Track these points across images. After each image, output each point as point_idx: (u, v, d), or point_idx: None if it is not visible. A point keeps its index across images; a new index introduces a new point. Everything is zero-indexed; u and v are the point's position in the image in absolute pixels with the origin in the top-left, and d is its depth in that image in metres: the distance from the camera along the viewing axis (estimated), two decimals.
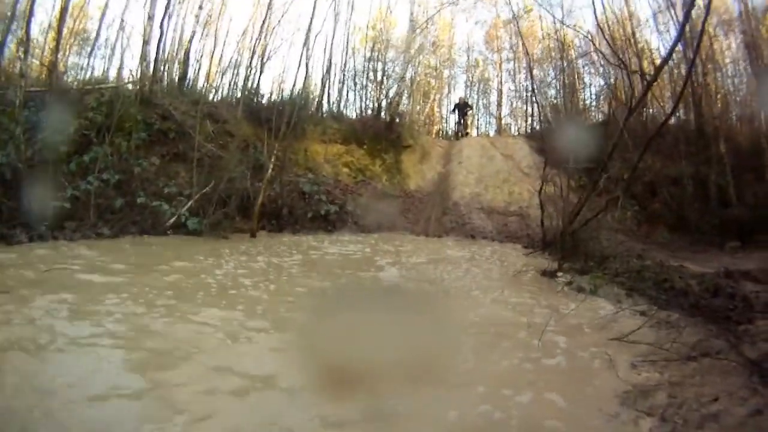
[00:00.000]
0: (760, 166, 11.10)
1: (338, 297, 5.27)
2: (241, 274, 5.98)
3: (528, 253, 8.72)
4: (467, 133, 17.97)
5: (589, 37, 12.06)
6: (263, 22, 13.76)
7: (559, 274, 6.67)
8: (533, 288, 6.05)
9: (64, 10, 10.97)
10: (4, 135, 7.91)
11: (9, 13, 9.62)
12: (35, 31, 11.51)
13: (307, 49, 12.99)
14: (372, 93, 15.77)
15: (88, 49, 13.77)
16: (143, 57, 11.50)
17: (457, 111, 18.61)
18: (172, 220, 8.45)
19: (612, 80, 14.29)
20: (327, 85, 15.44)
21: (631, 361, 3.47)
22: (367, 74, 16.06)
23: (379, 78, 15.56)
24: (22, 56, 8.80)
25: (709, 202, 10.88)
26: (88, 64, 13.65)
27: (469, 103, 19.42)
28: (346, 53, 16.27)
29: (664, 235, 10.66)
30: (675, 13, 13.11)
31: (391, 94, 15.48)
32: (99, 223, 8.15)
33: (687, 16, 6.60)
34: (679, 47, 10.01)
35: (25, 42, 9.16)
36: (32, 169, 7.96)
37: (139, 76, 11.07)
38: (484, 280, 6.62)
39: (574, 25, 13.40)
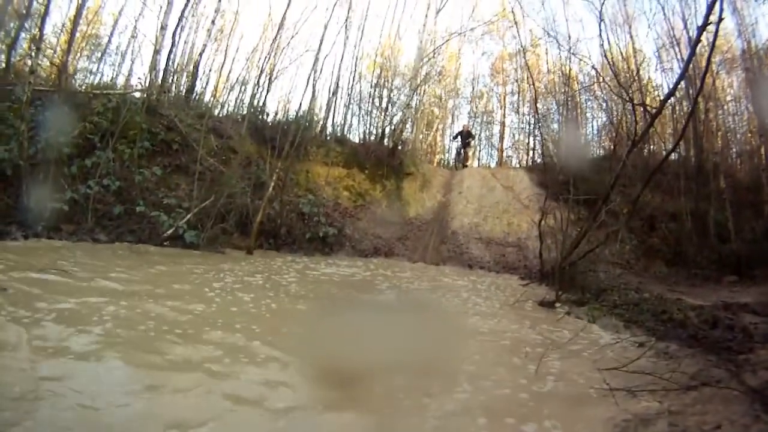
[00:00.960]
0: (759, 202, 11.23)
1: (337, 320, 5.18)
2: (239, 289, 5.92)
3: (526, 284, 8.68)
4: (465, 165, 17.83)
5: (596, 69, 12.19)
6: (273, 41, 13.95)
7: (557, 304, 6.64)
8: (531, 317, 6.00)
9: (78, 13, 11.08)
10: (8, 130, 7.90)
11: (24, 10, 9.69)
12: (49, 31, 11.62)
13: (315, 71, 13.17)
14: (376, 119, 15.90)
15: (99, 54, 13.97)
16: (153, 66, 11.62)
17: (459, 139, 18.45)
18: (169, 232, 8.36)
19: (614, 114, 14.48)
20: (332, 108, 15.64)
21: (630, 390, 3.42)
22: (373, 100, 16.24)
23: (384, 104, 15.73)
24: (34, 54, 8.80)
25: (707, 237, 10.90)
26: (97, 68, 13.90)
27: (473, 132, 19.32)
28: (353, 78, 16.50)
29: (662, 269, 10.66)
30: (678, 50, 13.39)
31: (395, 121, 15.59)
32: (96, 228, 8.11)
33: (693, 51, 6.67)
34: (681, 84, 10.12)
35: (38, 40, 9.19)
36: (33, 167, 7.93)
37: (147, 84, 11.13)
38: (483, 307, 6.55)
39: (581, 57, 13.52)
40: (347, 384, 3.39)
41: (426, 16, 17.29)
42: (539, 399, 3.38)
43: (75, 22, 11.06)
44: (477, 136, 20.73)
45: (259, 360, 3.65)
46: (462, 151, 18.35)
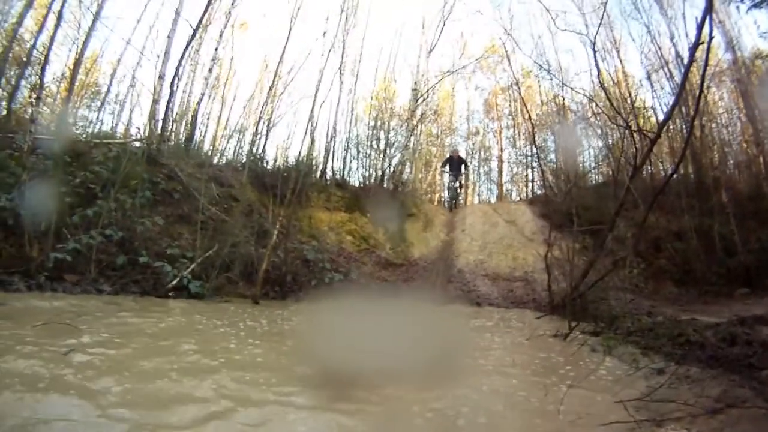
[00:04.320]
0: (762, 210, 11.26)
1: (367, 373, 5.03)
2: (254, 339, 5.83)
3: (538, 317, 8.54)
4: (455, 203, 16.86)
5: (590, 98, 12.37)
6: (270, 88, 14.20)
7: (571, 336, 6.51)
8: (546, 353, 5.85)
9: (78, 62, 11.25)
10: (9, 179, 7.93)
11: (24, 58, 9.80)
12: (49, 80, 11.74)
13: (312, 117, 13.34)
14: (375, 161, 15.96)
15: (98, 102, 14.26)
16: (152, 115, 11.91)
17: (449, 168, 16.81)
18: (174, 282, 8.27)
19: (611, 141, 14.58)
20: (331, 153, 15.71)
21: (655, 420, 3.32)
22: (371, 142, 16.34)
23: (382, 146, 15.82)
24: (34, 102, 8.86)
25: (714, 252, 10.85)
26: (97, 117, 14.14)
27: (466, 160, 17.99)
28: (351, 121, 16.68)
29: (672, 289, 10.60)
30: (668, 70, 13.62)
31: (394, 162, 15.72)
32: (100, 279, 8.03)
33: (686, 73, 6.74)
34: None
35: (38, 88, 9.27)
36: (35, 217, 7.90)
37: (146, 133, 11.28)
38: (497, 346, 6.42)
39: (574, 88, 13.75)
40: None
41: (419, 56, 17.62)
42: None
43: (74, 70, 11.26)
44: (474, 170, 20.67)
45: None
46: (453, 185, 16.81)
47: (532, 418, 3.63)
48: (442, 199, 19.15)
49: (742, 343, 4.72)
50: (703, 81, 6.45)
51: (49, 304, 6.32)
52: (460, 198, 17.30)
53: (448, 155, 17.66)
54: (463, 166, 16.92)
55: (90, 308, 6.38)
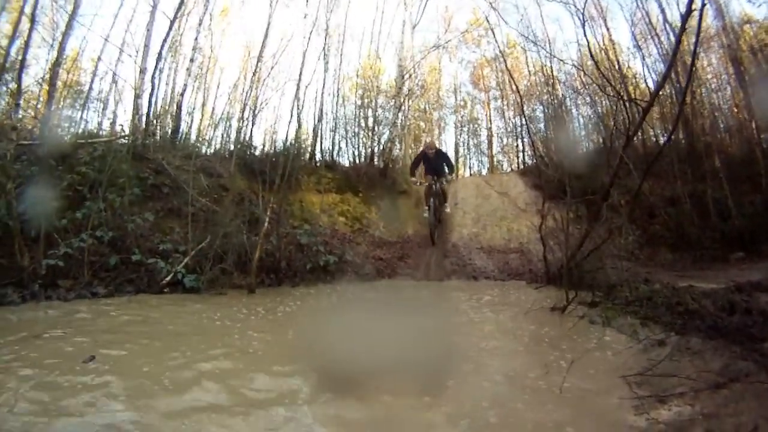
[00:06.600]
0: (754, 174, 11.32)
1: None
2: (257, 330, 5.76)
3: (535, 288, 8.54)
4: (437, 223, 12.35)
5: (580, 68, 12.28)
6: (253, 74, 14.00)
7: (570, 308, 6.48)
8: (545, 328, 5.81)
9: (56, 63, 11.02)
10: None
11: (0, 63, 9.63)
12: (29, 83, 11.50)
13: (298, 100, 13.17)
14: (364, 140, 15.78)
15: (81, 101, 13.87)
16: (135, 111, 11.83)
17: (424, 166, 12.22)
18: (168, 278, 8.19)
19: (602, 109, 14.52)
20: (319, 134, 15.54)
21: (658, 396, 3.29)
22: (358, 121, 16.15)
23: (370, 125, 15.63)
24: (14, 108, 8.68)
25: (708, 217, 10.97)
26: (80, 117, 13.76)
27: (447, 155, 13.04)
28: (337, 101, 16.40)
29: (667, 255, 10.67)
30: (657, 36, 13.55)
31: (383, 140, 15.56)
32: (94, 281, 7.96)
33: (678, 42, 6.61)
34: (664, 69, 10.13)
35: (17, 94, 9.08)
36: (24, 224, 7.79)
37: (131, 130, 11.17)
38: (494, 322, 6.40)
39: (561, 60, 13.61)
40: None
41: (402, 32, 17.34)
42: (567, 421, 3.23)
43: (54, 72, 11.02)
44: (464, 143, 20.43)
45: None
46: (436, 186, 11.87)
47: (534, 400, 3.59)
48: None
49: (741, 311, 4.68)
50: (695, 49, 6.33)
51: (45, 314, 6.21)
52: (445, 209, 12.49)
53: (420, 150, 13.19)
54: (445, 166, 12.19)
55: (85, 313, 6.27)
